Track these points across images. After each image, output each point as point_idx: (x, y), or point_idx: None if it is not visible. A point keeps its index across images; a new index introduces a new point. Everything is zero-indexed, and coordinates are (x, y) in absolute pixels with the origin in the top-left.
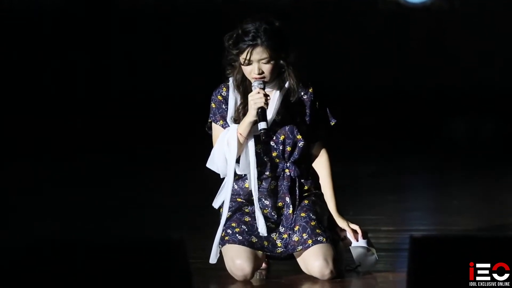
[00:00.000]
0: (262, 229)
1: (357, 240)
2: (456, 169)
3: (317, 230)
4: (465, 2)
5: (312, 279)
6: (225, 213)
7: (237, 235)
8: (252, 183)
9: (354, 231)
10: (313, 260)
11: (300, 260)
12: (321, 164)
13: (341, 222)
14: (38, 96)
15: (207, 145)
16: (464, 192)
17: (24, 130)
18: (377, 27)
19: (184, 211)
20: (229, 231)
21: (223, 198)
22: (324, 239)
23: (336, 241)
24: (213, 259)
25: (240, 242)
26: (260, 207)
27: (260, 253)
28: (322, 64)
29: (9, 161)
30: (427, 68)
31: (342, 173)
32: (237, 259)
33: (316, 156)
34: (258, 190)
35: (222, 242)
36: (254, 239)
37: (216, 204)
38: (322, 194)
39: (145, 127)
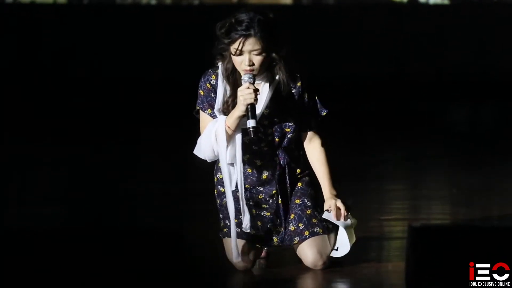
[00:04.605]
0: (246, 224)
1: (338, 219)
2: (456, 157)
3: (313, 220)
4: None
5: (311, 268)
6: (231, 210)
7: (235, 227)
8: (238, 177)
9: (338, 209)
10: (308, 252)
11: (295, 248)
12: (314, 149)
13: (330, 202)
14: (37, 78)
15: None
16: (463, 180)
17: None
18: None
19: (185, 199)
20: (227, 222)
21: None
22: (321, 230)
23: (330, 229)
24: (236, 257)
25: (238, 235)
26: (247, 197)
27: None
28: (321, 53)
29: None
30: (428, 55)
31: (341, 162)
32: (236, 252)
33: (308, 144)
34: (251, 177)
35: (222, 233)
36: (252, 231)
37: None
38: (313, 173)
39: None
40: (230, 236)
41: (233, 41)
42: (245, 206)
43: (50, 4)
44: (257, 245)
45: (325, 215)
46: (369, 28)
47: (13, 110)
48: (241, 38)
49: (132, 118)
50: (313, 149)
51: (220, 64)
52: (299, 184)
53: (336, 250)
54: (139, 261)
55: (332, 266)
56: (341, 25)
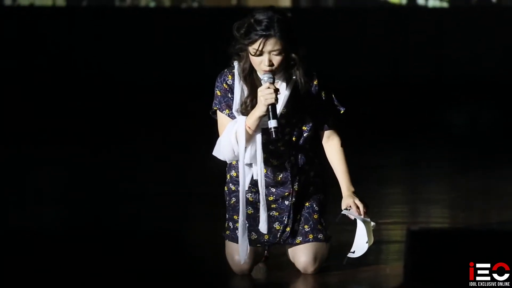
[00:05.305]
0: (263, 227)
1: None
2: (455, 160)
3: (318, 226)
4: None
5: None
6: (242, 209)
7: (236, 231)
8: (259, 178)
9: (357, 207)
10: (303, 255)
11: (291, 248)
12: (333, 147)
13: (347, 200)
14: (36, 80)
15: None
16: (462, 184)
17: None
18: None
19: (187, 201)
20: (230, 224)
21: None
22: (323, 238)
23: (330, 240)
24: (243, 259)
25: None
26: (265, 199)
27: (260, 247)
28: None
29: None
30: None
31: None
32: (236, 256)
33: (327, 143)
34: (266, 178)
35: (225, 235)
36: (254, 236)
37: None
38: (325, 176)
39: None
40: (231, 240)
41: (253, 42)
42: (264, 207)
43: (49, 6)
44: (258, 245)
45: (345, 212)
46: (368, 31)
47: (13, 111)
48: (261, 39)
49: (131, 119)
50: (332, 147)
51: (236, 64)
52: (311, 188)
53: (353, 253)
54: (139, 262)
55: (331, 269)
56: (340, 28)
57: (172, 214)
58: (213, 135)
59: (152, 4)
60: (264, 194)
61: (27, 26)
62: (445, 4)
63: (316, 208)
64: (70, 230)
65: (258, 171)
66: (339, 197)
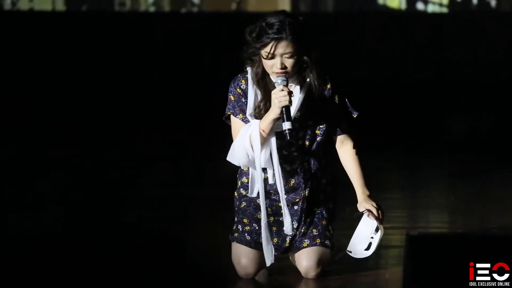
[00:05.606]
0: (288, 228)
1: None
2: (454, 165)
3: (326, 232)
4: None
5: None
6: (264, 212)
7: (246, 234)
8: (277, 179)
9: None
10: (306, 258)
11: (296, 250)
12: (347, 152)
13: (365, 204)
14: (36, 84)
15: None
16: (461, 188)
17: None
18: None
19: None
20: (239, 227)
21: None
22: (330, 244)
23: (334, 247)
24: (268, 262)
25: (247, 243)
26: (267, 205)
27: None
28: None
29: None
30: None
31: (338, 169)
32: (243, 259)
33: (340, 148)
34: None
35: (232, 237)
36: (260, 239)
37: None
38: (336, 186)
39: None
40: (239, 242)
41: (265, 45)
42: (286, 208)
43: (49, 11)
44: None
45: (365, 219)
46: (367, 35)
47: (13, 114)
48: (273, 42)
49: (131, 120)
50: (345, 152)
51: (249, 69)
52: (321, 195)
53: (350, 252)
54: (139, 263)
55: (330, 274)
56: (340, 32)
57: (172, 215)
58: (213, 136)
59: (152, 9)
60: (284, 196)
61: (27, 30)
62: (444, 9)
63: (326, 215)
64: (70, 231)
65: (276, 174)
66: (350, 199)
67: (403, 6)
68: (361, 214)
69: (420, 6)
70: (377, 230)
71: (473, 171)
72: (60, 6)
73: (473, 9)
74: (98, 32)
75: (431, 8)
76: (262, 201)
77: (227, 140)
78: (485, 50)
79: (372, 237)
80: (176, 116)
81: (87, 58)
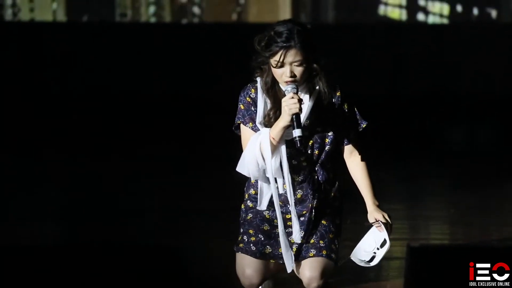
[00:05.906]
0: (296, 235)
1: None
2: (454, 176)
3: (332, 246)
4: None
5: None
6: (280, 221)
7: (251, 245)
8: (288, 188)
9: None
10: (309, 269)
11: (301, 260)
12: (355, 162)
13: (376, 214)
14: (37, 95)
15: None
16: (462, 200)
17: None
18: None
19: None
20: (245, 237)
21: (261, 193)
22: (335, 258)
23: (337, 262)
24: (289, 268)
25: (252, 254)
26: (273, 217)
27: (272, 262)
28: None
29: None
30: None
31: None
32: (247, 269)
33: (349, 158)
34: (285, 195)
35: (237, 247)
36: (268, 250)
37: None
38: (343, 201)
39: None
40: (245, 252)
41: (274, 54)
42: (294, 216)
43: (50, 22)
44: (271, 260)
45: (373, 231)
46: (367, 46)
47: (14, 124)
48: (282, 50)
49: (132, 132)
50: (354, 162)
51: (259, 78)
52: (329, 209)
53: (352, 259)
54: (140, 275)
55: (332, 286)
56: (340, 43)
57: (171, 227)
58: (213, 147)
59: (153, 20)
60: (293, 204)
61: (28, 41)
62: (445, 20)
63: (332, 229)
64: (69, 244)
65: (286, 182)
66: (352, 210)
67: (404, 17)
68: (371, 225)
69: (420, 17)
70: (383, 244)
71: (473, 183)
72: (61, 16)
73: (474, 20)
74: (99, 42)
75: (431, 19)
76: (277, 208)
77: (229, 149)
78: (485, 61)
79: (375, 252)
80: (177, 126)
81: (87, 68)
